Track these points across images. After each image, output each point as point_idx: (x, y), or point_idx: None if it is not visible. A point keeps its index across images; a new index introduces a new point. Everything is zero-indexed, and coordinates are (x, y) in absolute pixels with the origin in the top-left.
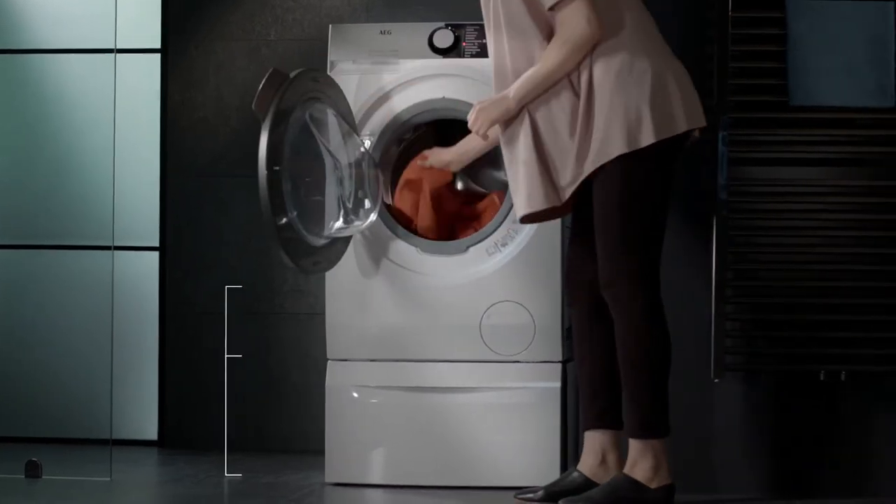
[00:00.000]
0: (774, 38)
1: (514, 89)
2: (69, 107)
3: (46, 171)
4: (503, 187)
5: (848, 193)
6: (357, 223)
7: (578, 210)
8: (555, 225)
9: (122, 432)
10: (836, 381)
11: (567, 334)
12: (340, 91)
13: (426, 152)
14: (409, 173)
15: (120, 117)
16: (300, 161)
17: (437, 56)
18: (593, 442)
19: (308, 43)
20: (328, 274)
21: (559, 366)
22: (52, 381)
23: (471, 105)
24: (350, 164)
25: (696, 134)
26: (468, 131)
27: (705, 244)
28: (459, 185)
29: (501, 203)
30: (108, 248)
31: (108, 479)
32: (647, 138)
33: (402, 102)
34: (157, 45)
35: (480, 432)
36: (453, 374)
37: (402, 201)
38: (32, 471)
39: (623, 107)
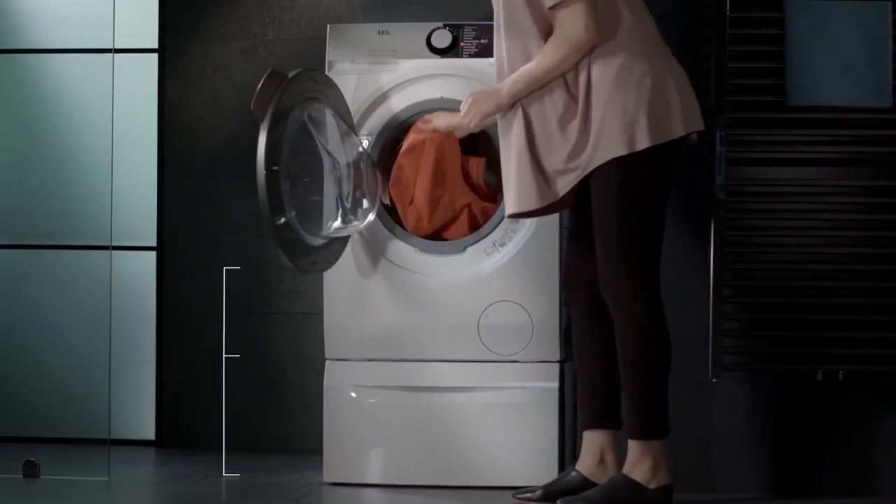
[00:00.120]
0: (772, 38)
1: (509, 84)
2: (67, 107)
3: (44, 171)
4: None
5: (846, 193)
6: (355, 223)
7: (577, 210)
8: (553, 225)
9: (119, 432)
10: (836, 380)
11: (565, 334)
12: (339, 91)
13: (427, 116)
14: (411, 138)
15: (118, 117)
16: (298, 161)
17: (436, 56)
18: (592, 442)
19: (306, 43)
20: (326, 274)
21: (557, 365)
22: (50, 381)
23: None
24: (348, 164)
25: (694, 137)
26: None
27: (704, 244)
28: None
29: (499, 203)
30: (105, 247)
31: (106, 478)
32: (643, 141)
33: (400, 102)
34: (155, 45)
35: (478, 432)
36: (451, 374)
37: (402, 171)
38: (30, 470)
39: (621, 109)
